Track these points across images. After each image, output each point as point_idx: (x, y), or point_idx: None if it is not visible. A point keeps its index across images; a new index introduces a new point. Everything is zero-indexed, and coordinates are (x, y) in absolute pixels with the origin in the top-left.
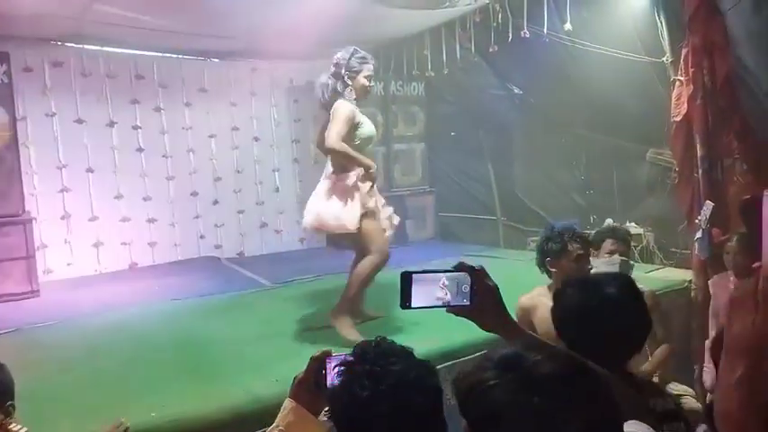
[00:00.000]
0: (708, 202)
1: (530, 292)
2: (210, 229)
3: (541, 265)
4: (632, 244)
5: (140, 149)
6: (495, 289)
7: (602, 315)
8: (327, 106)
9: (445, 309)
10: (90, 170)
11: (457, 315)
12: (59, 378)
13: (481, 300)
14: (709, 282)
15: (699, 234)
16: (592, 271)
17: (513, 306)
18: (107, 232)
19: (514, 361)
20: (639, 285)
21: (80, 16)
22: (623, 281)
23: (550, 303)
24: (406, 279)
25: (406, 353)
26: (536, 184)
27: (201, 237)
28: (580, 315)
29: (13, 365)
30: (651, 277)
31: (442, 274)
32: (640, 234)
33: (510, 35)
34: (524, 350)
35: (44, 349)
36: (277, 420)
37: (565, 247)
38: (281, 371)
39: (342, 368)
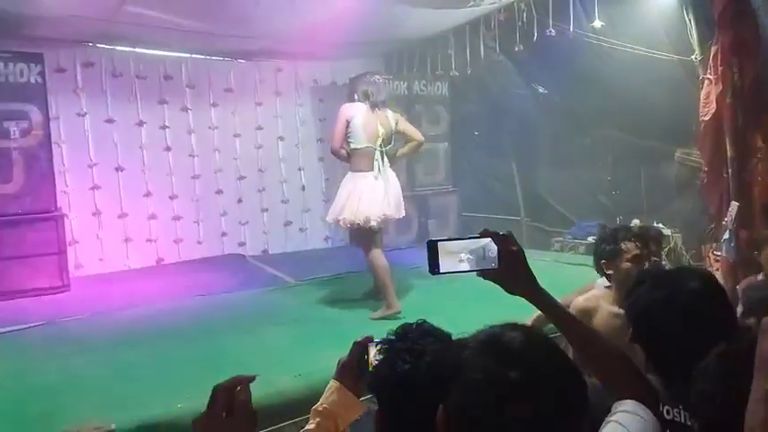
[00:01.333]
0: (733, 202)
1: (586, 293)
2: (235, 226)
3: (597, 267)
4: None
5: (168, 149)
6: (521, 252)
7: (685, 310)
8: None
9: (475, 273)
10: (120, 168)
11: (485, 279)
12: (88, 370)
13: (508, 263)
14: (737, 286)
15: (726, 236)
16: None
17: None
18: (135, 229)
19: (493, 337)
20: None
21: (111, 17)
22: (705, 275)
23: (612, 308)
24: (433, 247)
25: (445, 334)
26: (561, 185)
27: (225, 234)
28: (661, 309)
29: (44, 357)
30: None
31: (467, 240)
32: (668, 235)
33: (535, 34)
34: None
35: (73, 342)
36: (322, 399)
37: (619, 248)
38: (303, 366)
39: (385, 345)
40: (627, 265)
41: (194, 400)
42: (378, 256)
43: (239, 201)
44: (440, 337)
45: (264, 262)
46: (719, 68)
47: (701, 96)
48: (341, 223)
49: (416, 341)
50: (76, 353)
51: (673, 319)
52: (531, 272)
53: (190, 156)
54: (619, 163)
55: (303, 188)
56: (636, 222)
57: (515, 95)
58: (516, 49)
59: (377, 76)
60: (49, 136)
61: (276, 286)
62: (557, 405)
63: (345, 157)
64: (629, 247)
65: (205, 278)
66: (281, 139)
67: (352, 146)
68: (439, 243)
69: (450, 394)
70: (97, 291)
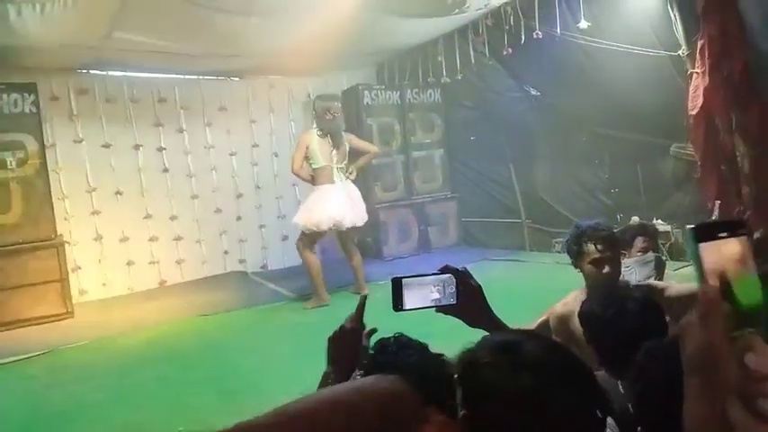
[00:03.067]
0: (717, 201)
1: (563, 299)
2: (235, 244)
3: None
4: (660, 241)
5: (165, 170)
6: (479, 288)
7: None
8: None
9: (435, 309)
10: (119, 192)
11: (446, 314)
12: (92, 397)
13: (465, 299)
14: None
15: None
16: (625, 270)
17: (543, 309)
18: (137, 252)
19: (511, 345)
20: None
21: (101, 44)
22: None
23: None
24: (397, 284)
25: (422, 346)
26: (560, 185)
27: (226, 252)
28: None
29: (48, 385)
30: (680, 275)
31: (429, 277)
32: (668, 231)
33: (523, 37)
34: (521, 337)
35: (77, 369)
36: None
37: (581, 249)
38: (306, 382)
39: (365, 361)
40: (588, 267)
41: (197, 423)
42: (308, 255)
43: (238, 218)
44: (418, 349)
45: (265, 278)
46: (707, 61)
47: (690, 90)
48: (300, 227)
49: (397, 354)
50: (80, 380)
51: (612, 336)
52: (488, 306)
53: (187, 176)
54: (615, 161)
55: (298, 203)
56: (635, 219)
57: (508, 98)
58: (505, 52)
59: (333, 108)
60: (45, 164)
61: (277, 302)
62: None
63: (307, 178)
64: (590, 249)
65: (207, 297)
66: (276, 155)
67: (313, 166)
68: (403, 280)
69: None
70: (100, 316)
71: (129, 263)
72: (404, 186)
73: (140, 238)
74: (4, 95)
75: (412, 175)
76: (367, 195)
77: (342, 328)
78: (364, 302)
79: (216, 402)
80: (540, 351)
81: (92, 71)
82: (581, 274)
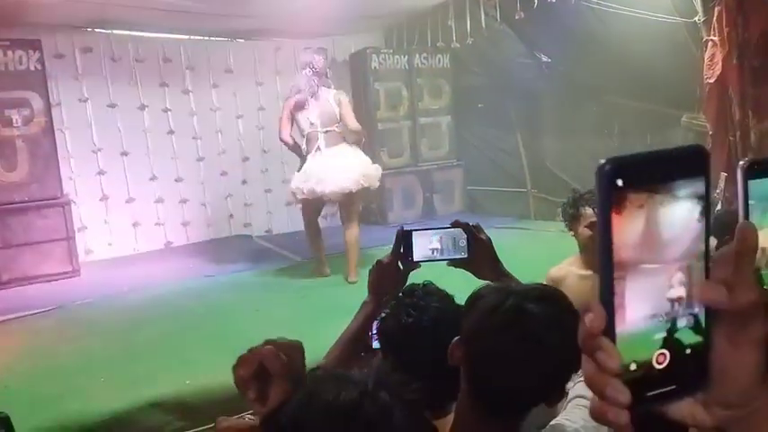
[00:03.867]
0: (722, 173)
1: (559, 264)
2: (240, 207)
3: (566, 227)
4: None
5: (171, 131)
6: (489, 242)
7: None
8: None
9: (446, 262)
10: (124, 153)
11: (455, 267)
12: (99, 352)
13: (476, 252)
14: None
15: (718, 207)
16: None
17: (543, 277)
18: (143, 213)
19: (508, 288)
20: None
21: (106, 1)
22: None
23: (580, 272)
24: (407, 235)
25: (447, 295)
26: (567, 155)
27: (231, 216)
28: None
29: (56, 341)
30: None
31: (439, 230)
32: None
33: (536, 0)
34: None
35: (85, 325)
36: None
37: (577, 213)
38: (308, 341)
39: (393, 302)
40: (584, 230)
41: (201, 377)
42: (307, 224)
43: (243, 182)
44: (443, 297)
45: (270, 242)
46: (724, 29)
47: (706, 58)
48: (295, 196)
49: (421, 298)
50: (87, 335)
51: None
52: (498, 259)
53: (193, 138)
54: (625, 130)
55: None
56: None
57: (518, 65)
58: (517, 16)
59: (314, 61)
60: (51, 122)
61: (283, 265)
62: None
63: (292, 146)
64: (587, 213)
65: (213, 259)
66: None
67: (301, 134)
68: (413, 232)
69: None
70: (107, 275)
71: (135, 224)
72: (410, 153)
73: (146, 200)
74: (9, 52)
75: (418, 142)
76: (372, 161)
77: (378, 262)
78: (401, 236)
79: (221, 359)
80: (534, 289)
81: (96, 29)
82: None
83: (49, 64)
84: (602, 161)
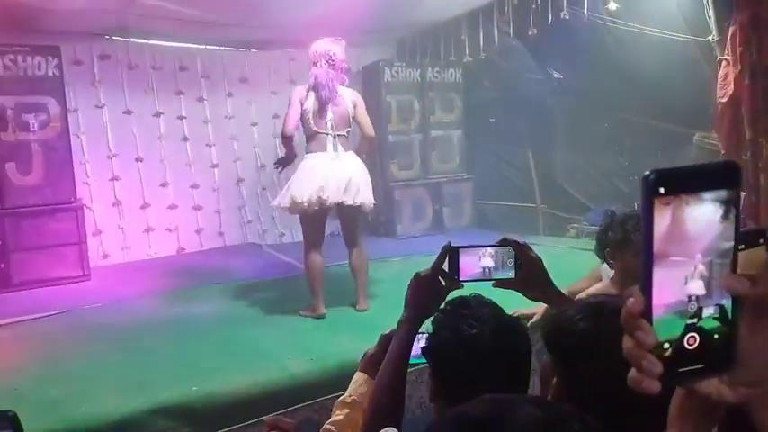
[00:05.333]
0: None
1: (590, 288)
2: (254, 215)
3: (601, 256)
4: None
5: (185, 139)
6: (539, 261)
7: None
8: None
9: (492, 282)
10: (139, 159)
11: (503, 288)
12: (108, 356)
13: (526, 272)
14: None
15: None
16: None
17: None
18: (157, 219)
19: (598, 306)
20: None
21: (125, 10)
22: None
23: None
24: (454, 253)
25: (498, 306)
26: (577, 171)
27: (246, 223)
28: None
29: (65, 344)
30: None
31: (486, 248)
32: None
33: (550, 17)
34: (605, 299)
35: (94, 329)
36: (350, 390)
37: (628, 239)
38: (315, 351)
39: (441, 314)
40: (635, 260)
41: (209, 384)
42: (307, 254)
43: (263, 189)
44: (494, 307)
45: (280, 250)
46: (738, 49)
47: (719, 78)
48: (294, 202)
49: (478, 309)
50: (96, 340)
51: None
52: (550, 279)
53: (207, 145)
54: (636, 148)
55: None
56: None
57: (530, 81)
58: (530, 32)
59: (330, 54)
60: (67, 128)
61: (291, 274)
62: None
63: (290, 147)
64: (638, 239)
65: (223, 266)
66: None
67: (305, 131)
68: (460, 250)
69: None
70: (118, 280)
71: (149, 229)
72: (420, 165)
73: (160, 206)
74: (28, 58)
75: (429, 155)
76: (383, 173)
77: (417, 275)
78: (446, 251)
79: (229, 366)
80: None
81: (114, 37)
82: (607, 262)
83: (67, 70)
84: (648, 172)
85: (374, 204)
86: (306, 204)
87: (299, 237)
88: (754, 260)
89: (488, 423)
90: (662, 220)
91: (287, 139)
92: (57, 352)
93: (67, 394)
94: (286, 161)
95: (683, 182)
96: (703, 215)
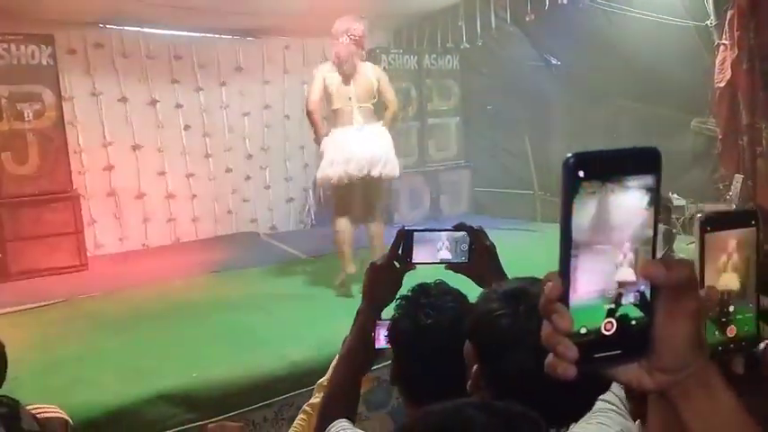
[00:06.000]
0: (737, 175)
1: None
2: (245, 204)
3: None
4: (674, 215)
5: (186, 127)
6: (493, 248)
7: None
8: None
9: (444, 265)
10: (136, 147)
11: (455, 272)
12: (106, 344)
13: (479, 258)
14: None
15: (733, 206)
16: None
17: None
18: (153, 208)
19: (521, 293)
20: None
21: None
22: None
23: None
24: (408, 236)
25: (461, 295)
26: None
27: (235, 212)
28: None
29: (63, 333)
30: (692, 249)
31: (441, 232)
32: (683, 205)
33: (547, 2)
34: (527, 285)
35: (92, 318)
36: (328, 374)
37: None
38: (313, 337)
39: (403, 302)
40: None
41: (209, 371)
42: (335, 220)
43: (247, 178)
44: (458, 296)
45: (276, 239)
46: (735, 33)
47: (717, 62)
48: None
49: (438, 298)
50: (95, 328)
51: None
52: (501, 268)
53: (203, 135)
54: (633, 133)
55: (305, 165)
56: None
57: (527, 67)
58: (528, 18)
59: (351, 29)
60: (62, 117)
61: (288, 261)
62: None
63: (317, 123)
64: None
65: (220, 255)
66: (287, 117)
67: (330, 106)
68: (414, 233)
69: (486, 351)
70: (115, 269)
71: (145, 219)
72: (417, 153)
73: (156, 195)
74: (22, 47)
75: (426, 143)
76: None
77: (372, 264)
78: (401, 239)
79: (227, 353)
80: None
81: (108, 26)
82: None
83: (61, 59)
84: (569, 155)
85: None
86: (335, 181)
87: (289, 226)
88: (747, 240)
89: None
90: (588, 209)
91: (310, 114)
92: (56, 341)
93: (67, 382)
94: (318, 137)
95: (604, 166)
96: (628, 203)
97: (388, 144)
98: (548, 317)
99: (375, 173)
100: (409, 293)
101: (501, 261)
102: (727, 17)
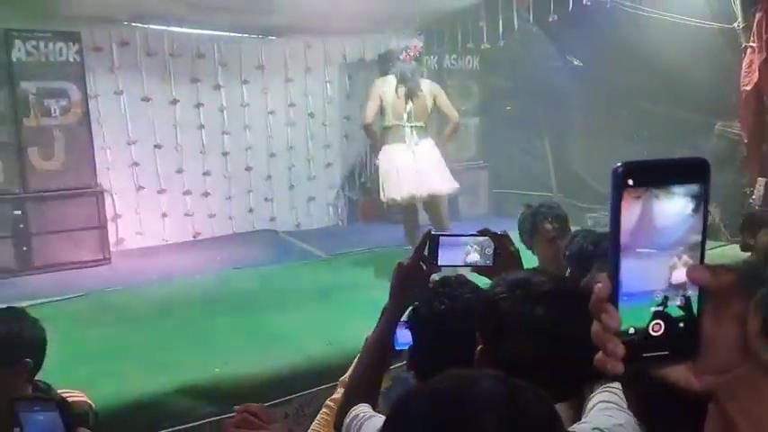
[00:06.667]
0: (760, 179)
1: None
2: (266, 203)
3: (527, 246)
4: None
5: (201, 126)
6: (517, 253)
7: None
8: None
9: (470, 269)
10: (157, 146)
11: (480, 274)
12: (129, 338)
13: (503, 262)
14: None
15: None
16: None
17: None
18: (172, 205)
19: (522, 281)
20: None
21: None
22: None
23: None
24: (434, 240)
25: (480, 288)
26: (594, 159)
27: (256, 210)
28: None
29: (87, 326)
30: (715, 254)
31: (467, 237)
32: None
33: (571, 3)
34: (532, 274)
35: (115, 312)
36: (350, 370)
37: (536, 227)
38: (333, 333)
39: (424, 291)
40: (545, 245)
41: (230, 365)
42: (405, 225)
43: (268, 177)
44: (475, 289)
45: (296, 237)
46: (764, 35)
47: (743, 65)
48: (387, 201)
49: (455, 288)
50: (118, 322)
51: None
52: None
53: (222, 133)
54: (655, 137)
55: (327, 165)
56: None
57: (549, 68)
58: (551, 19)
59: (410, 47)
60: (88, 113)
61: (308, 260)
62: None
63: (374, 135)
64: (547, 228)
65: (239, 252)
66: (311, 115)
67: (383, 123)
68: (440, 237)
69: (486, 332)
70: (137, 264)
71: (164, 215)
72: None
73: (175, 191)
74: (50, 44)
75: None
76: None
77: (399, 264)
78: (426, 240)
79: (248, 349)
80: (549, 283)
81: (133, 23)
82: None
83: (87, 56)
84: (618, 164)
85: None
86: (399, 199)
87: (314, 225)
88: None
89: (452, 395)
90: (632, 213)
91: (366, 128)
92: (80, 333)
93: (91, 374)
94: (376, 149)
95: (651, 175)
96: (673, 208)
97: (441, 161)
98: (597, 316)
99: (431, 191)
100: (431, 285)
101: (525, 262)
102: (756, 19)
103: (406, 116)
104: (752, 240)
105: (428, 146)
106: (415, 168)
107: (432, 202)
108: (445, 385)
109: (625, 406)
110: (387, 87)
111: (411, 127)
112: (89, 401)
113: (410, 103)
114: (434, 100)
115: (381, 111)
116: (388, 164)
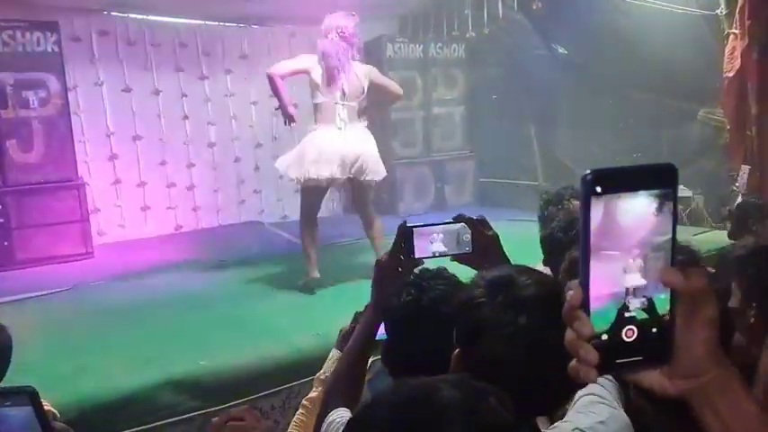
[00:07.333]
0: (744, 166)
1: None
2: (252, 194)
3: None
4: (680, 206)
5: (185, 117)
6: (496, 237)
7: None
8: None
9: (449, 258)
10: (138, 137)
11: (460, 263)
12: (113, 332)
13: (481, 248)
14: None
15: (738, 200)
16: None
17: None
18: (154, 197)
19: (505, 283)
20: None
21: None
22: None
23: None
24: (407, 232)
25: (458, 282)
26: (580, 148)
27: (243, 202)
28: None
29: (70, 320)
30: (698, 240)
31: (440, 226)
32: (689, 196)
33: None
34: (516, 273)
35: (99, 306)
36: (324, 368)
37: (566, 208)
38: (321, 325)
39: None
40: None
41: (217, 358)
42: (302, 222)
43: (256, 168)
44: (450, 282)
45: (282, 228)
46: (746, 22)
47: (726, 52)
48: (290, 176)
49: (426, 280)
50: (101, 316)
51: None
52: (505, 256)
53: (208, 124)
54: (640, 124)
55: None
56: None
57: (534, 56)
58: (535, 6)
59: (342, 26)
60: (67, 105)
61: (294, 251)
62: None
63: (279, 90)
64: (576, 206)
65: (224, 245)
66: (295, 105)
67: (313, 100)
68: (414, 228)
69: (464, 336)
70: (120, 257)
71: (146, 207)
72: (422, 143)
73: (158, 184)
74: (27, 33)
75: (431, 132)
76: (385, 151)
77: (378, 262)
78: (403, 235)
79: (236, 341)
80: (533, 287)
81: (113, 12)
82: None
83: (66, 47)
84: (587, 171)
85: (383, 177)
86: (315, 182)
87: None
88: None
89: (412, 402)
90: (596, 215)
91: (270, 79)
92: (63, 328)
93: (75, 369)
94: (285, 114)
95: (619, 181)
96: (635, 209)
97: (372, 146)
98: (570, 324)
99: (362, 177)
100: (413, 276)
101: (507, 252)
102: (738, 5)
103: (337, 95)
104: (753, 228)
105: (359, 130)
106: (343, 151)
107: (357, 190)
108: (405, 392)
109: (612, 398)
110: (315, 63)
111: (342, 105)
112: (53, 410)
113: (342, 82)
114: (370, 82)
115: (311, 89)
116: (313, 142)
